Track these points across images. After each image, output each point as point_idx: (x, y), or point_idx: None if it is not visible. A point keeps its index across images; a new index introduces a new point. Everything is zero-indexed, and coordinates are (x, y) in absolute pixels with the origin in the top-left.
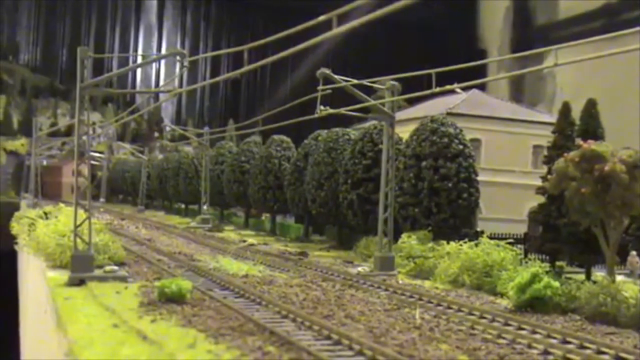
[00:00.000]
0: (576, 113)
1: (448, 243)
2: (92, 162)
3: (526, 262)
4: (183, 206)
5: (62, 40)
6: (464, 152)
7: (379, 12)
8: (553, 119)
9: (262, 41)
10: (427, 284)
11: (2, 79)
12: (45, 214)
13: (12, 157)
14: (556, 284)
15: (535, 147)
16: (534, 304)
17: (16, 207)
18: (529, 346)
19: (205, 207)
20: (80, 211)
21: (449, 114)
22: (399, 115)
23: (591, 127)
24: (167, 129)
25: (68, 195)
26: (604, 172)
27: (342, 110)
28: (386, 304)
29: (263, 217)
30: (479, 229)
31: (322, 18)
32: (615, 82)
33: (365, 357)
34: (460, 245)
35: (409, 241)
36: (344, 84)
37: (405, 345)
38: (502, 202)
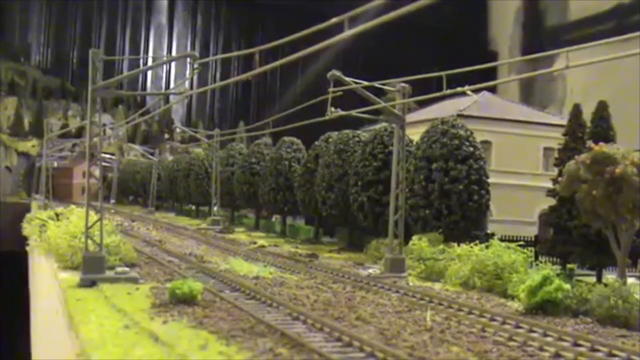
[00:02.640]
0: (587, 115)
1: (459, 245)
2: (103, 163)
3: (537, 265)
4: (193, 208)
5: (72, 42)
6: (475, 154)
7: (390, 15)
8: (564, 121)
9: (273, 43)
10: (437, 286)
11: (14, 80)
12: (57, 215)
13: (23, 159)
14: (567, 286)
15: (546, 149)
16: (545, 307)
17: (27, 209)
18: (540, 349)
19: (215, 208)
20: (92, 212)
21: (459, 115)
22: (410, 117)
23: (602, 129)
24: (178, 130)
25: (79, 197)
26: (615, 175)
27: (353, 113)
28: (397, 306)
29: (273, 219)
30: (489, 231)
31: (334, 20)
32: (627, 84)
33: (376, 359)
34: (471, 247)
35: (420, 243)
36: (354, 86)
37: (417, 347)
38: (513, 205)
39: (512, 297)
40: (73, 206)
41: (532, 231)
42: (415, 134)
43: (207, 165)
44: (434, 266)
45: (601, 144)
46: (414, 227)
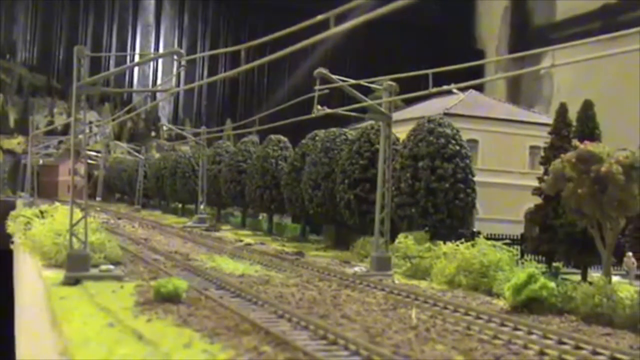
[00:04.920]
0: (573, 114)
1: (445, 243)
2: (89, 161)
3: (522, 263)
4: (180, 205)
5: (59, 39)
6: (461, 153)
7: (377, 12)
8: (550, 119)
9: (260, 40)
10: (423, 284)
11: None
12: (42, 212)
13: (8, 156)
14: (552, 284)
15: (532, 147)
16: (530, 305)
17: (12, 206)
18: (525, 347)
19: (202, 206)
20: (77, 210)
21: (446, 114)
22: (396, 115)
23: (588, 128)
24: (165, 128)
25: (64, 194)
26: (600, 173)
27: (339, 110)
28: (382, 304)
29: (260, 217)
30: (475, 230)
31: (319, 18)
32: (613, 83)
33: (361, 357)
34: (457, 245)
35: (406, 241)
36: (341, 84)
37: (402, 345)
38: (499, 203)
39: (498, 295)
40: (58, 204)
41: (518, 229)
42: (401, 133)
43: (194, 163)
44: (419, 264)
45: (587, 142)
46: (400, 225)
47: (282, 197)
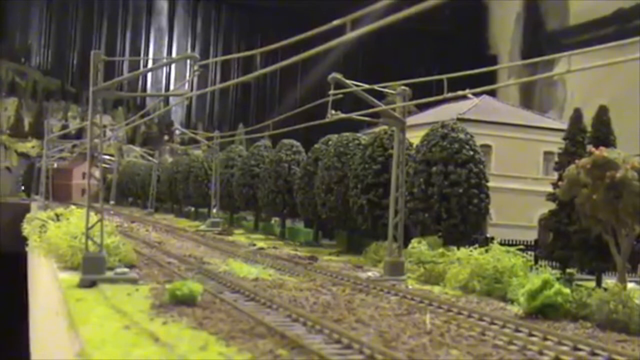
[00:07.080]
0: (587, 119)
1: (458, 249)
2: (103, 164)
3: (537, 269)
4: (193, 209)
5: (73, 43)
6: (475, 158)
7: (392, 18)
8: (564, 125)
9: (274, 45)
10: (436, 289)
11: (14, 81)
12: (57, 215)
13: (23, 159)
14: (567, 290)
15: (546, 153)
16: (544, 311)
17: (27, 209)
18: (540, 353)
19: (214, 210)
20: (92, 213)
21: (459, 119)
22: (409, 120)
23: (602, 133)
24: (177, 132)
25: (78, 198)
26: (615, 179)
27: (353, 115)
28: (396, 308)
29: (273, 221)
30: (489, 235)
31: (336, 22)
32: (627, 88)
33: None
34: (471, 251)
35: (419, 246)
36: (354, 88)
37: (416, 350)
38: (513, 209)
39: (512, 301)
40: (73, 207)
41: (531, 235)
42: (415, 138)
43: (207, 167)
44: (433, 269)
45: (602, 148)
46: (414, 230)
47: (295, 201)
